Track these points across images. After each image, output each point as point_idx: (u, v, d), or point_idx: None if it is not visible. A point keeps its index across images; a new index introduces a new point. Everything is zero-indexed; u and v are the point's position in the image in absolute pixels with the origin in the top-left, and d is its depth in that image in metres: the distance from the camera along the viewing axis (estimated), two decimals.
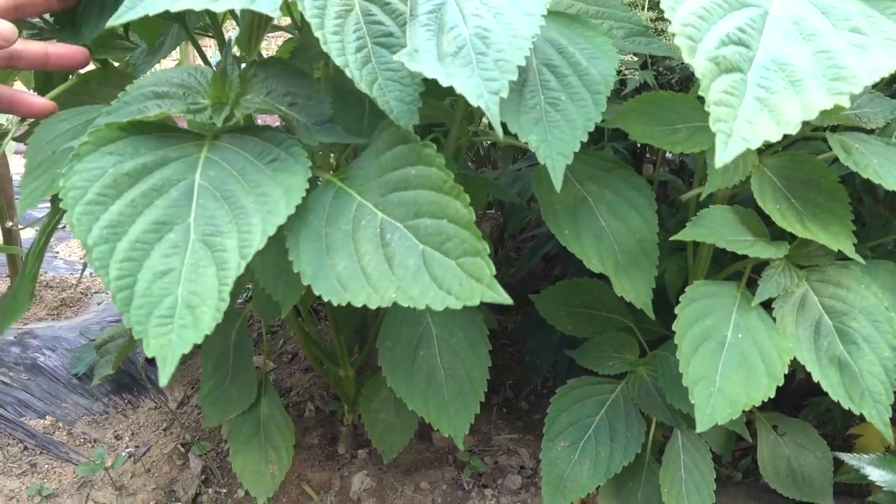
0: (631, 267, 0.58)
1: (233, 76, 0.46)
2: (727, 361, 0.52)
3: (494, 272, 0.39)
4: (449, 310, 0.65)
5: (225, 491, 0.83)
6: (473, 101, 0.38)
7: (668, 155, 1.15)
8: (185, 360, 1.10)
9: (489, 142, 1.24)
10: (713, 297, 0.55)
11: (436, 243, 0.39)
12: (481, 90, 0.38)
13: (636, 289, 0.58)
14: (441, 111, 0.70)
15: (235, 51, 0.55)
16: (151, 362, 1.07)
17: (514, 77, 0.39)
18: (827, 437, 0.73)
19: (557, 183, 0.44)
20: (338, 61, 0.38)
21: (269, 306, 0.68)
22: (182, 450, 0.90)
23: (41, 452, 0.89)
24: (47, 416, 0.95)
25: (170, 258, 0.37)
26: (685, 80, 0.92)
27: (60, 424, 0.95)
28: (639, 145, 1.11)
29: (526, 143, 0.47)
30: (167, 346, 0.35)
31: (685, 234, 0.55)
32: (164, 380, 0.35)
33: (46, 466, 0.87)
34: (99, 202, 0.38)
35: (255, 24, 0.48)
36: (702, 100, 0.64)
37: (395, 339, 0.64)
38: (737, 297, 0.56)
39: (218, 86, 0.46)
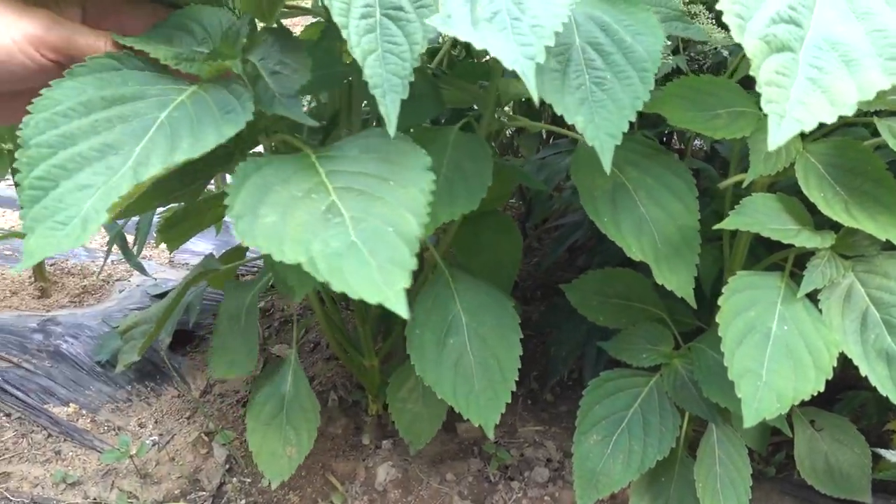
0: (672, 255, 0.57)
1: (241, 35, 0.47)
2: (773, 354, 0.50)
3: (406, 286, 0.36)
4: (479, 298, 0.64)
5: (249, 481, 0.82)
6: (508, 65, 0.36)
7: (696, 143, 1.13)
8: (205, 349, 1.10)
9: (512, 129, 1.23)
10: (756, 288, 0.54)
11: (368, 239, 0.38)
12: (516, 54, 0.36)
13: (677, 278, 0.56)
14: (471, 94, 0.69)
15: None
16: (175, 349, 1.06)
17: (551, 43, 0.37)
18: (861, 432, 0.71)
19: (607, 165, 0.43)
20: (338, 21, 0.37)
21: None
22: (206, 438, 0.89)
23: (65, 440, 0.89)
24: (71, 404, 0.95)
25: (97, 176, 0.38)
26: (717, 66, 0.90)
27: (84, 412, 0.94)
28: (665, 133, 1.09)
29: (564, 127, 0.46)
30: (42, 246, 0.36)
31: (729, 223, 0.53)
32: (17, 269, 0.37)
33: (71, 454, 0.87)
34: (66, 114, 0.39)
35: None
36: (745, 84, 0.62)
37: (423, 326, 0.63)
38: (780, 287, 0.54)
39: (227, 40, 0.46)
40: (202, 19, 0.47)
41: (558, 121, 1.16)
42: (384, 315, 0.94)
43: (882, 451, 0.63)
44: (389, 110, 0.37)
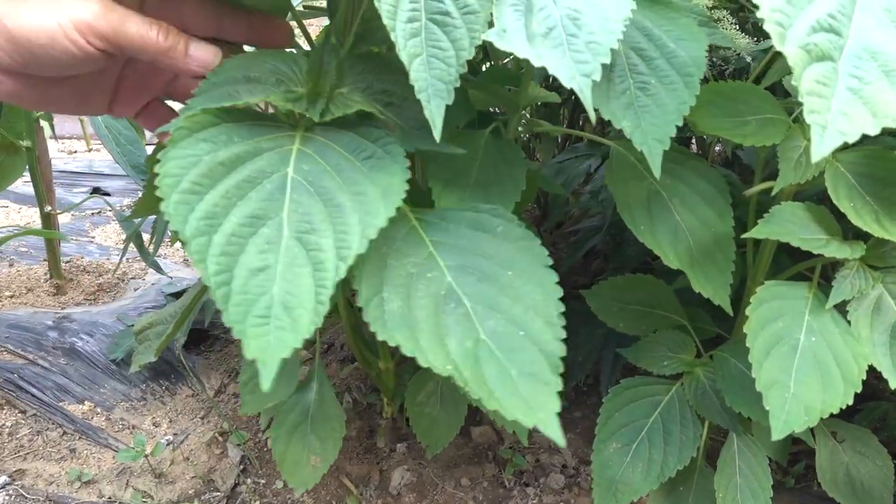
0: (706, 262, 0.56)
1: (329, 66, 0.44)
2: (801, 366, 0.50)
3: (559, 409, 0.34)
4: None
5: (263, 482, 0.82)
6: (566, 83, 0.36)
7: (717, 148, 1.12)
8: (220, 348, 1.10)
9: (528, 133, 1.22)
10: (784, 298, 0.53)
11: (500, 341, 0.36)
12: (573, 72, 0.36)
13: (712, 285, 0.55)
14: (499, 98, 0.68)
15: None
16: (189, 349, 1.06)
17: (607, 60, 0.37)
18: (882, 444, 0.70)
19: (656, 170, 0.43)
20: (387, 24, 0.37)
21: None
22: (220, 439, 0.89)
23: (80, 437, 0.89)
24: (86, 402, 0.95)
25: (265, 255, 0.35)
26: (740, 72, 0.89)
27: (99, 410, 0.94)
28: (685, 138, 1.08)
29: (584, 131, 0.45)
30: (266, 349, 0.33)
31: (758, 232, 0.52)
32: (265, 384, 0.32)
33: (86, 452, 0.87)
34: (194, 191, 0.36)
35: (351, 7, 0.46)
36: (772, 91, 0.62)
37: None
38: (808, 298, 0.53)
39: (314, 75, 0.44)
40: (263, 64, 0.43)
41: (575, 124, 1.16)
42: None
43: None
44: (434, 115, 0.36)
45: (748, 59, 0.85)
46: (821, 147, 0.37)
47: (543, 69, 0.37)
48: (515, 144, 0.61)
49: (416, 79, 0.36)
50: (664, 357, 0.65)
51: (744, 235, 0.54)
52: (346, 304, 0.78)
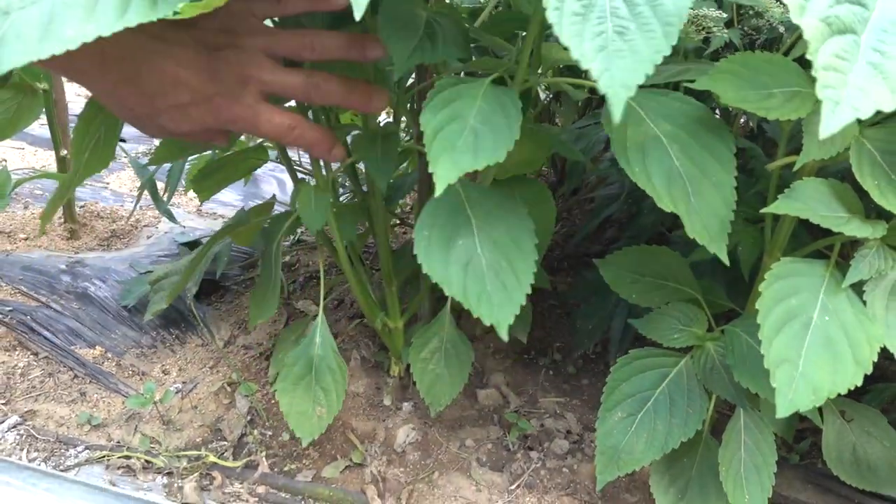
0: (704, 209, 0.55)
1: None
2: (812, 344, 0.49)
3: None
4: (490, 203, 0.62)
5: (270, 433, 0.83)
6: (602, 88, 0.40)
7: (742, 120, 1.10)
8: (231, 300, 1.10)
9: (549, 97, 1.20)
10: (800, 275, 0.52)
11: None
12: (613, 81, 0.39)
13: (710, 233, 0.54)
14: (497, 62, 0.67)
15: None
16: (200, 299, 1.07)
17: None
18: (891, 425, 0.70)
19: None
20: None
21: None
22: (228, 389, 0.90)
23: (90, 382, 0.90)
24: (97, 346, 0.96)
25: None
26: (771, 42, 0.87)
27: (109, 355, 0.95)
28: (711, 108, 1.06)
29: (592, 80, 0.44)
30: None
31: (778, 207, 0.51)
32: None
33: (95, 396, 0.88)
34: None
35: None
36: (801, 62, 0.60)
37: (430, 227, 0.59)
38: (825, 276, 0.53)
39: None
40: None
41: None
42: (410, 278, 0.93)
43: None
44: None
45: (781, 29, 0.82)
46: (830, 123, 0.36)
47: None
48: (515, 94, 0.59)
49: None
50: (675, 330, 0.65)
51: (763, 210, 0.52)
52: (357, 258, 0.78)
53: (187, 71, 0.54)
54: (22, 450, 0.78)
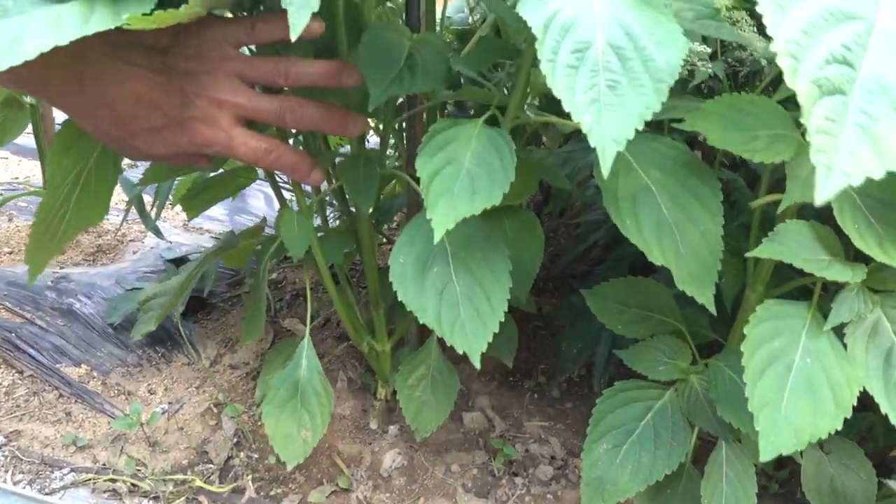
0: (693, 260, 0.56)
1: None
2: (794, 387, 0.50)
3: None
4: (466, 230, 0.63)
5: (256, 456, 0.83)
6: (592, 142, 0.42)
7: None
8: (217, 318, 1.10)
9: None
10: (783, 317, 0.54)
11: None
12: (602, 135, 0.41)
13: (697, 283, 0.56)
14: (492, 91, 0.68)
15: None
16: (187, 317, 1.07)
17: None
18: (867, 456, 0.71)
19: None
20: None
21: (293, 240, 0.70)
22: (215, 410, 0.90)
23: (76, 401, 0.90)
24: (82, 365, 0.96)
25: None
26: (754, 75, 0.88)
27: (95, 374, 0.95)
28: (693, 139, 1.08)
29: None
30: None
31: (762, 251, 0.53)
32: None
33: (81, 416, 0.88)
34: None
35: None
36: (786, 103, 0.61)
37: (406, 255, 0.61)
38: (807, 318, 0.54)
39: None
40: None
41: None
42: (398, 301, 0.94)
43: (887, 481, 0.64)
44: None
45: (763, 62, 0.84)
46: (825, 190, 0.37)
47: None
48: (509, 136, 0.60)
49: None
50: (660, 362, 0.66)
51: (748, 254, 0.54)
52: (344, 277, 0.78)
53: (160, 94, 0.56)
54: (7, 471, 0.78)
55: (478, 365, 0.55)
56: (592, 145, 0.42)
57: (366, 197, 0.71)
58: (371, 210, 0.80)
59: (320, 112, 0.62)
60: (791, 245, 0.54)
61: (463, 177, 0.55)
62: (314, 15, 0.55)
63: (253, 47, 0.68)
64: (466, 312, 0.57)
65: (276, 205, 1.59)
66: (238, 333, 1.07)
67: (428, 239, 0.61)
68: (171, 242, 1.27)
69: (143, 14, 0.46)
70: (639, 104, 0.43)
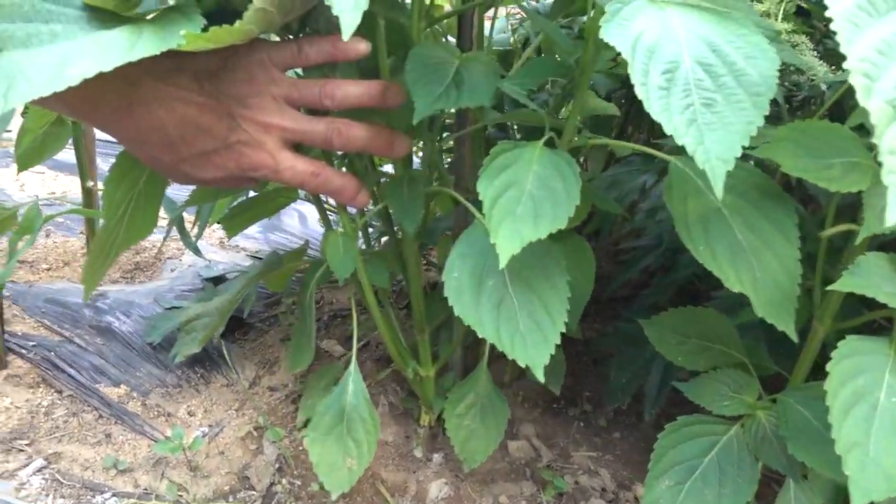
0: (770, 286, 0.54)
1: None
2: (880, 427, 0.48)
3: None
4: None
5: (299, 483, 0.82)
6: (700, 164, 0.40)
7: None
8: (255, 338, 1.09)
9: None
10: (864, 353, 0.51)
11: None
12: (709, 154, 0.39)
13: (777, 310, 0.53)
14: (538, 115, 0.67)
15: None
16: (225, 337, 1.06)
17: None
18: None
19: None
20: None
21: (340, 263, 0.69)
22: (255, 434, 0.89)
23: (116, 422, 0.89)
24: (121, 385, 0.95)
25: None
26: (811, 99, 0.86)
27: (134, 394, 0.94)
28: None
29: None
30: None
31: (843, 285, 0.50)
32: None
33: (121, 438, 0.87)
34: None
35: None
36: (859, 130, 0.59)
37: (460, 269, 0.59)
38: (890, 355, 0.51)
39: None
40: None
41: (623, 138, 1.14)
42: (442, 325, 0.92)
43: None
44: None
45: (823, 87, 0.82)
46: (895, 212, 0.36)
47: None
48: (572, 158, 0.59)
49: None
50: (725, 396, 0.63)
51: (829, 287, 0.51)
52: (377, 302, 0.77)
53: (209, 118, 0.56)
54: (48, 495, 0.76)
55: (541, 378, 0.54)
56: (700, 167, 0.41)
57: (412, 218, 0.70)
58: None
59: (367, 133, 0.62)
60: (871, 278, 0.52)
61: (525, 200, 0.54)
62: (360, 35, 0.54)
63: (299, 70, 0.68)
64: (526, 325, 0.56)
65: (311, 223, 1.59)
66: (276, 354, 1.06)
67: (480, 252, 0.60)
68: (208, 261, 1.27)
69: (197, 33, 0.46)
70: (739, 120, 0.42)
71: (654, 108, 0.41)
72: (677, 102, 0.42)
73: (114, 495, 0.77)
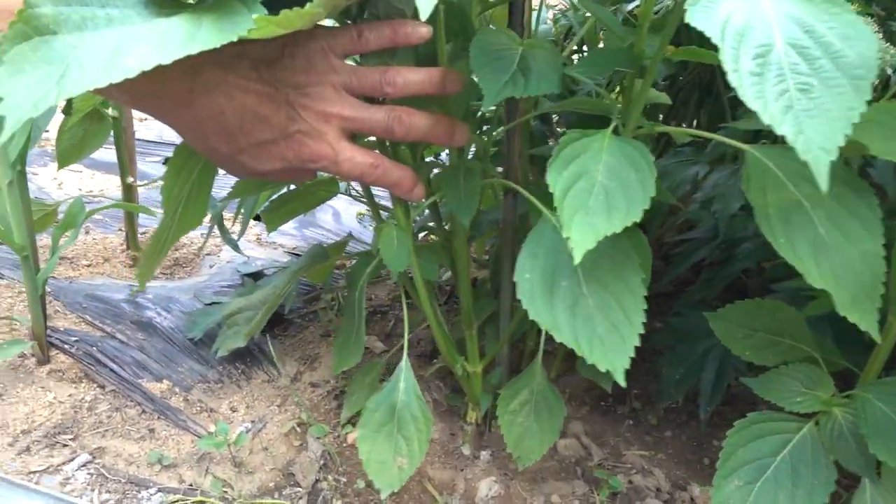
0: (852, 282, 0.51)
1: None
2: None
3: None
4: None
5: (345, 480, 0.80)
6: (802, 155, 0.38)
7: None
8: (295, 333, 1.08)
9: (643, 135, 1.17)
10: None
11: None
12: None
13: (859, 308, 0.50)
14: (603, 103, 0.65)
15: None
16: (265, 333, 1.05)
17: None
18: None
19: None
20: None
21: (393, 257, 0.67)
22: (298, 430, 0.87)
23: (159, 417, 0.88)
24: (164, 380, 0.94)
25: None
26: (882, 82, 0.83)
27: (177, 390, 0.93)
28: None
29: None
30: None
31: None
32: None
33: (164, 433, 0.85)
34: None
35: None
36: None
37: (531, 271, 0.57)
38: None
39: None
40: None
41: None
42: (488, 320, 0.90)
43: None
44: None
45: (889, 71, 0.79)
46: None
47: None
48: (644, 146, 0.56)
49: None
50: (797, 392, 0.60)
51: None
52: (428, 299, 0.75)
53: (268, 107, 0.54)
54: (93, 490, 0.75)
55: (622, 382, 0.51)
56: (802, 158, 0.38)
57: (467, 210, 0.68)
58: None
59: (428, 121, 0.60)
60: None
61: (597, 191, 0.51)
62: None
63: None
64: (603, 327, 0.53)
65: (345, 220, 1.58)
66: (316, 350, 1.04)
67: (550, 250, 0.57)
68: (247, 257, 1.26)
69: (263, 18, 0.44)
70: (839, 106, 0.39)
71: (748, 95, 0.39)
72: (771, 89, 0.39)
73: (159, 490, 0.76)
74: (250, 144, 0.56)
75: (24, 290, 1.08)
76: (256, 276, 1.18)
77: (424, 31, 0.57)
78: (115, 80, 0.40)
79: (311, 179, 0.66)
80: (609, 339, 0.53)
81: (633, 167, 0.52)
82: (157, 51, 0.42)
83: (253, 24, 0.44)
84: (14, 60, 0.39)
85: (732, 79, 0.39)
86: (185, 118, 0.55)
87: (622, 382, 0.51)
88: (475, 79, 0.60)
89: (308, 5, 0.47)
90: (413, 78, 0.58)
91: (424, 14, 0.38)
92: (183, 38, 0.43)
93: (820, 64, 0.40)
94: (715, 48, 0.41)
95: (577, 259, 0.47)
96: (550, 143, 1.07)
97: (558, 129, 1.33)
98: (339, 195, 0.98)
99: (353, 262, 0.90)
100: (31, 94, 0.39)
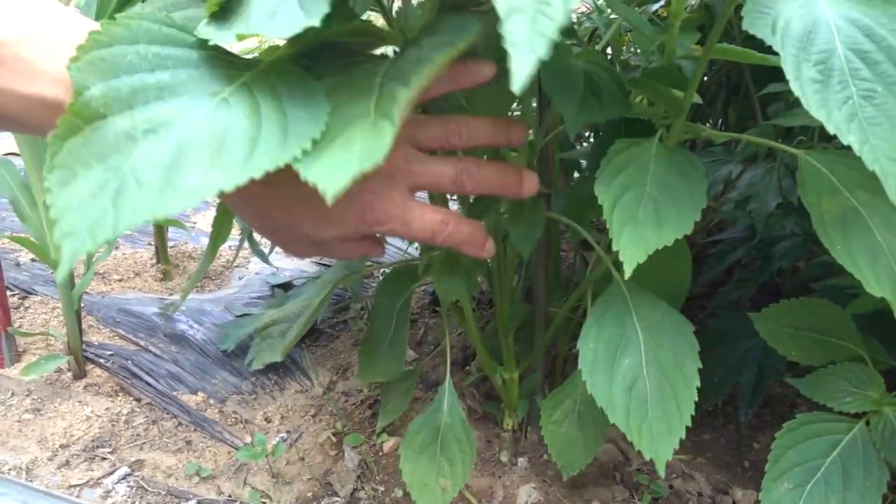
0: None
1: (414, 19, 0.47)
2: None
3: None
4: (656, 316, 0.59)
5: (382, 489, 0.79)
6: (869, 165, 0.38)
7: None
8: (325, 343, 1.08)
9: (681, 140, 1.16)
10: None
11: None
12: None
13: None
14: (664, 99, 0.63)
15: None
16: (297, 344, 1.05)
17: None
18: None
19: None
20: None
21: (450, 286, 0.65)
22: (334, 439, 0.87)
23: (195, 429, 0.88)
24: (199, 392, 0.94)
25: None
26: None
27: (212, 401, 0.93)
28: None
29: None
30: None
31: None
32: None
33: (201, 445, 0.86)
34: None
35: None
36: None
37: (596, 340, 0.57)
38: None
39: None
40: None
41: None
42: (525, 328, 0.89)
43: None
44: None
45: None
46: None
47: None
48: (693, 155, 0.55)
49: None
50: (846, 392, 0.59)
51: None
52: (470, 309, 0.74)
53: None
54: (134, 502, 0.76)
55: (662, 474, 0.53)
56: (869, 167, 0.37)
57: (529, 242, 0.65)
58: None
59: (497, 173, 0.53)
60: None
61: (645, 202, 0.50)
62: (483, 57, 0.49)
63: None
64: (654, 414, 0.53)
65: None
66: (348, 360, 1.04)
67: (617, 320, 0.58)
68: (276, 268, 1.26)
69: None
70: None
71: (812, 103, 0.38)
72: (834, 96, 0.38)
73: (199, 502, 0.76)
74: (309, 211, 0.48)
75: (58, 305, 1.09)
76: (286, 286, 1.19)
77: (488, 72, 0.49)
78: (173, 209, 0.33)
79: (378, 255, 0.59)
80: (658, 428, 0.54)
81: (681, 175, 0.51)
82: (218, 168, 0.34)
83: (323, 124, 0.36)
84: (65, 163, 0.32)
85: (794, 87, 0.38)
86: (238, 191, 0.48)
87: (661, 474, 0.52)
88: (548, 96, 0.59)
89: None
90: (479, 127, 0.52)
91: (517, 84, 0.27)
92: (243, 153, 0.35)
93: (883, 69, 0.39)
94: (762, 48, 0.40)
95: (628, 274, 0.46)
96: (577, 148, 1.07)
97: (584, 133, 1.33)
98: None
99: (384, 271, 0.90)
100: (85, 215, 0.31)
